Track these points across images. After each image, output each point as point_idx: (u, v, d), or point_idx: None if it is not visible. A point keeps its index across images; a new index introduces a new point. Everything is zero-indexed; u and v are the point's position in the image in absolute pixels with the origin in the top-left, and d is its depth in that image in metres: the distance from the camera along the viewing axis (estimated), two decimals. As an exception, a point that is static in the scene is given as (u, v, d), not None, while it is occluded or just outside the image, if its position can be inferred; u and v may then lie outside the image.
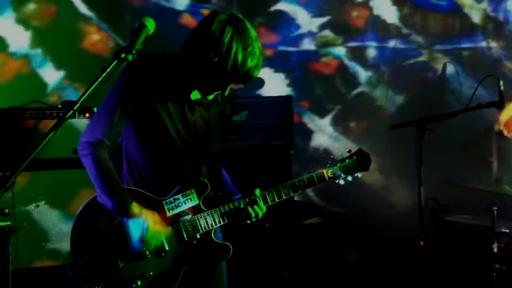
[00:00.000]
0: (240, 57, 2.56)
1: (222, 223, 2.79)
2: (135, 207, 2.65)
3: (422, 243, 4.10)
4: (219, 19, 2.59)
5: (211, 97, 2.79)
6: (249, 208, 2.77)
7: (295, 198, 5.00)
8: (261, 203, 2.79)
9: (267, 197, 2.81)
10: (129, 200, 2.65)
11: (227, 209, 2.79)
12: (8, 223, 2.13)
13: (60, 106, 4.42)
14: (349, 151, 2.99)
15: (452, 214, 4.66)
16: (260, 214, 2.79)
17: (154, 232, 2.67)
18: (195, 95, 2.76)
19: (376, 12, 6.14)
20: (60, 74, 5.43)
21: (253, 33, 2.62)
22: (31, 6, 5.37)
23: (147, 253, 2.68)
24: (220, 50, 2.55)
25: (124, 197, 2.64)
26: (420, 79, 6.13)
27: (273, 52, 6.04)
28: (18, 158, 2.02)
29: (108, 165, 2.70)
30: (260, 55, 2.63)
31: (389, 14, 6.15)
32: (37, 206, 4.19)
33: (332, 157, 2.98)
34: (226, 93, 2.78)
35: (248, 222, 2.81)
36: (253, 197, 2.79)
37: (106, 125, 2.68)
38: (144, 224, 2.64)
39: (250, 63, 2.59)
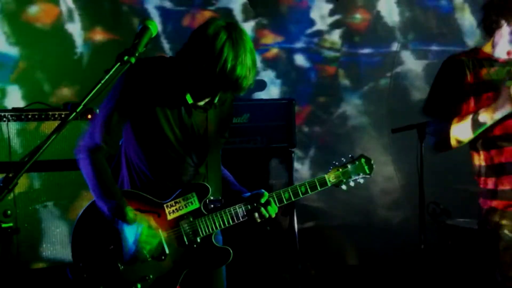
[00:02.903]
0: (229, 65, 2.54)
1: (229, 225, 2.79)
2: (130, 212, 2.65)
3: (422, 246, 4.10)
4: (215, 25, 2.59)
5: (202, 103, 2.79)
6: (262, 209, 2.79)
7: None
8: (273, 204, 2.81)
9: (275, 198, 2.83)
10: (125, 206, 2.65)
11: (238, 210, 2.80)
12: (11, 224, 2.13)
13: (62, 107, 4.43)
14: (352, 156, 2.99)
15: (453, 217, 4.66)
16: (273, 214, 2.81)
17: (148, 237, 2.67)
18: (189, 99, 2.76)
19: (379, 15, 6.14)
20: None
21: (248, 44, 2.61)
22: None
23: (141, 257, 2.67)
24: (211, 55, 2.54)
25: (119, 202, 2.65)
26: (421, 82, 6.13)
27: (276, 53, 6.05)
28: (21, 159, 2.02)
29: (105, 170, 2.70)
30: (253, 67, 2.61)
31: (392, 18, 6.15)
32: (39, 207, 4.20)
33: (334, 162, 2.96)
34: (215, 100, 2.77)
35: (259, 220, 2.82)
36: (267, 199, 2.80)
37: (105, 130, 2.68)
38: (138, 229, 2.64)
39: (239, 72, 2.56)
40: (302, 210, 5.10)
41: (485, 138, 3.02)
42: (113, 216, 2.65)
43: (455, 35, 6.12)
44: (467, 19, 6.14)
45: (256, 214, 2.80)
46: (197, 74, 2.60)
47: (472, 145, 3.10)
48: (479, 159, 3.10)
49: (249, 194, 2.86)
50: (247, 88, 2.65)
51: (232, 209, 2.80)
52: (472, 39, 6.00)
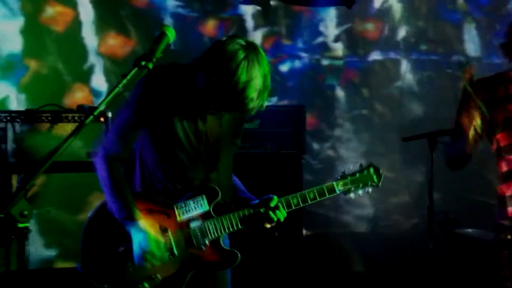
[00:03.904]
0: (240, 85, 2.56)
1: (238, 228, 2.81)
2: (142, 222, 2.70)
3: (431, 255, 4.10)
4: (235, 43, 2.60)
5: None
6: (271, 213, 2.80)
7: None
8: (282, 208, 2.82)
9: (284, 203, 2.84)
10: (137, 216, 2.69)
11: (247, 214, 2.82)
12: (27, 224, 2.16)
13: (76, 109, 4.45)
14: (361, 165, 2.99)
15: (462, 227, 4.66)
16: (282, 218, 2.82)
17: (157, 245, 2.70)
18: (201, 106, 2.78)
19: (388, 26, 6.17)
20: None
21: (264, 68, 2.61)
22: None
23: (149, 262, 2.70)
24: (225, 72, 2.56)
25: (131, 211, 2.69)
26: (434, 91, 6.13)
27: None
28: (37, 160, 2.05)
29: (120, 177, 2.74)
30: (263, 90, 2.62)
31: (400, 28, 6.17)
32: (50, 208, 4.22)
33: (342, 170, 2.97)
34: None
35: (268, 226, 2.83)
36: (276, 203, 2.81)
37: (122, 137, 2.74)
38: (147, 237, 2.68)
39: (248, 94, 2.58)
40: (310, 216, 5.11)
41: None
42: (125, 224, 2.69)
43: (461, 46, 6.14)
44: (473, 32, 6.17)
45: (265, 218, 2.81)
46: (206, 86, 2.62)
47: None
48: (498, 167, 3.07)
49: (257, 201, 2.88)
50: (255, 110, 2.67)
51: (241, 212, 2.82)
52: (476, 51, 6.04)
